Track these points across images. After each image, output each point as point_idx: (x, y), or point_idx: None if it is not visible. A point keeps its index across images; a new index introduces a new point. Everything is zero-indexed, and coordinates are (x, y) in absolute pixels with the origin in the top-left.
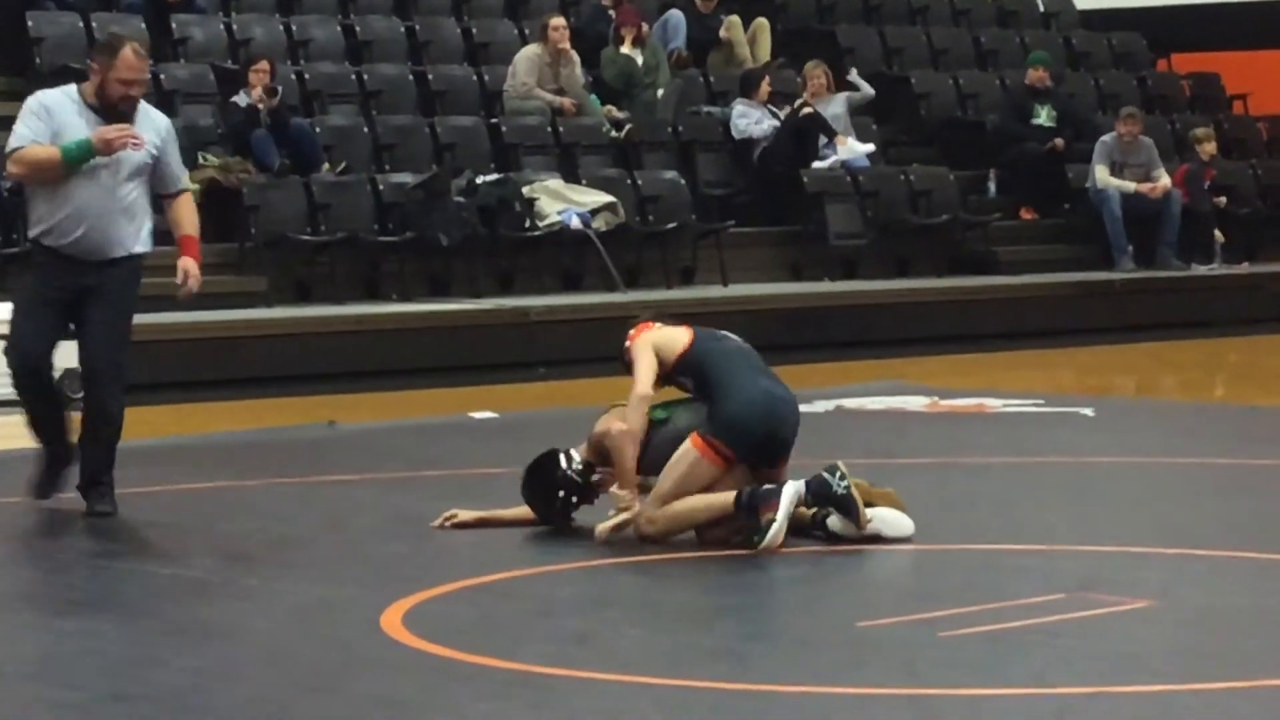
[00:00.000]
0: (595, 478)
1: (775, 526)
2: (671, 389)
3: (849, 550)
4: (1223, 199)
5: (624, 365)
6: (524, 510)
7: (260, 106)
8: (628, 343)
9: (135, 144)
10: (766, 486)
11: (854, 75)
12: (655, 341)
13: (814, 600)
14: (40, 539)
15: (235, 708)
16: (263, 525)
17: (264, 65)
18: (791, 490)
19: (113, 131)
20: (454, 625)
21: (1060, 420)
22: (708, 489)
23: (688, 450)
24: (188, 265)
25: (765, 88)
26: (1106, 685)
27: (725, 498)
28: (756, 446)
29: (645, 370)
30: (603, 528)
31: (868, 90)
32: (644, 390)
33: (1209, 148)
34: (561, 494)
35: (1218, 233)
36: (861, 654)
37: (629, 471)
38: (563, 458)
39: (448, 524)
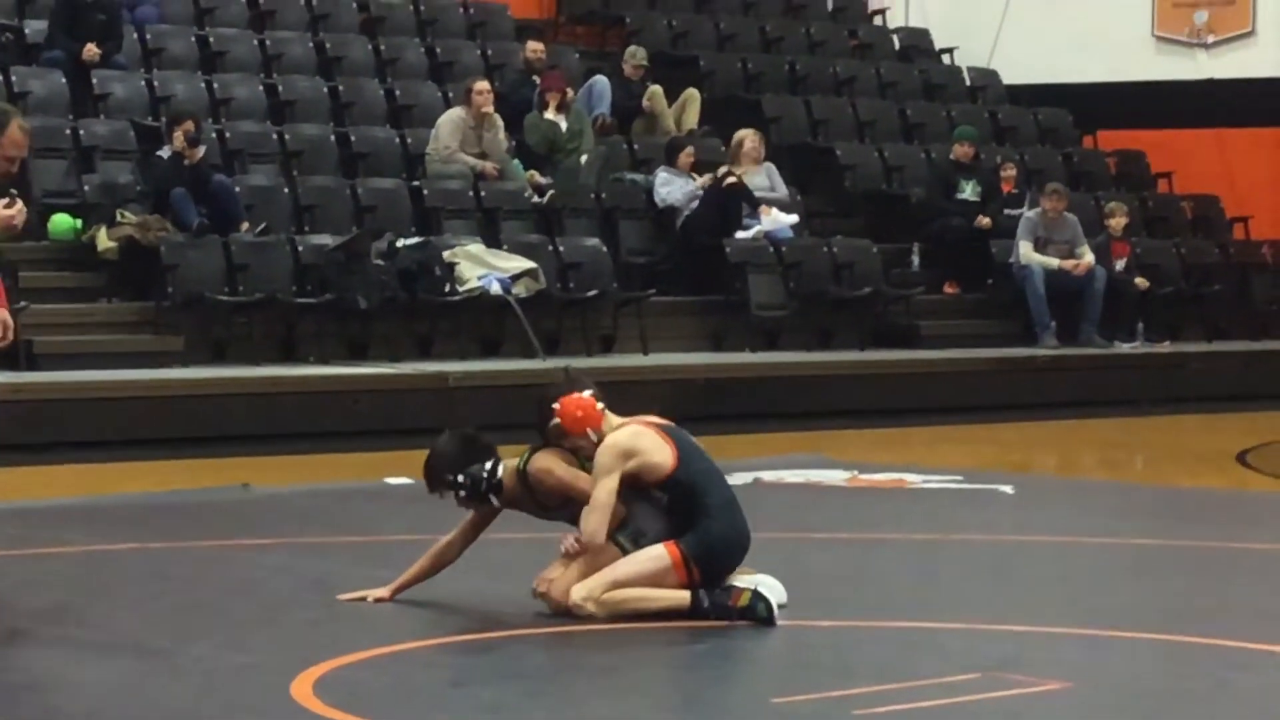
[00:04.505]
0: (495, 502)
1: (765, 588)
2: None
3: (763, 625)
4: (1143, 281)
5: (555, 438)
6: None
7: (184, 155)
8: (585, 430)
9: (17, 220)
10: (718, 590)
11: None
12: (633, 465)
13: (728, 675)
14: None
15: None
16: (173, 589)
17: (189, 125)
18: (741, 577)
19: (14, 212)
20: (365, 693)
21: (979, 497)
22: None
23: (660, 556)
24: (5, 317)
25: (688, 156)
26: None
27: (680, 596)
28: (722, 575)
29: (602, 509)
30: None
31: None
32: (598, 539)
33: (1117, 222)
34: (461, 481)
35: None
36: None
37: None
38: (491, 462)
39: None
